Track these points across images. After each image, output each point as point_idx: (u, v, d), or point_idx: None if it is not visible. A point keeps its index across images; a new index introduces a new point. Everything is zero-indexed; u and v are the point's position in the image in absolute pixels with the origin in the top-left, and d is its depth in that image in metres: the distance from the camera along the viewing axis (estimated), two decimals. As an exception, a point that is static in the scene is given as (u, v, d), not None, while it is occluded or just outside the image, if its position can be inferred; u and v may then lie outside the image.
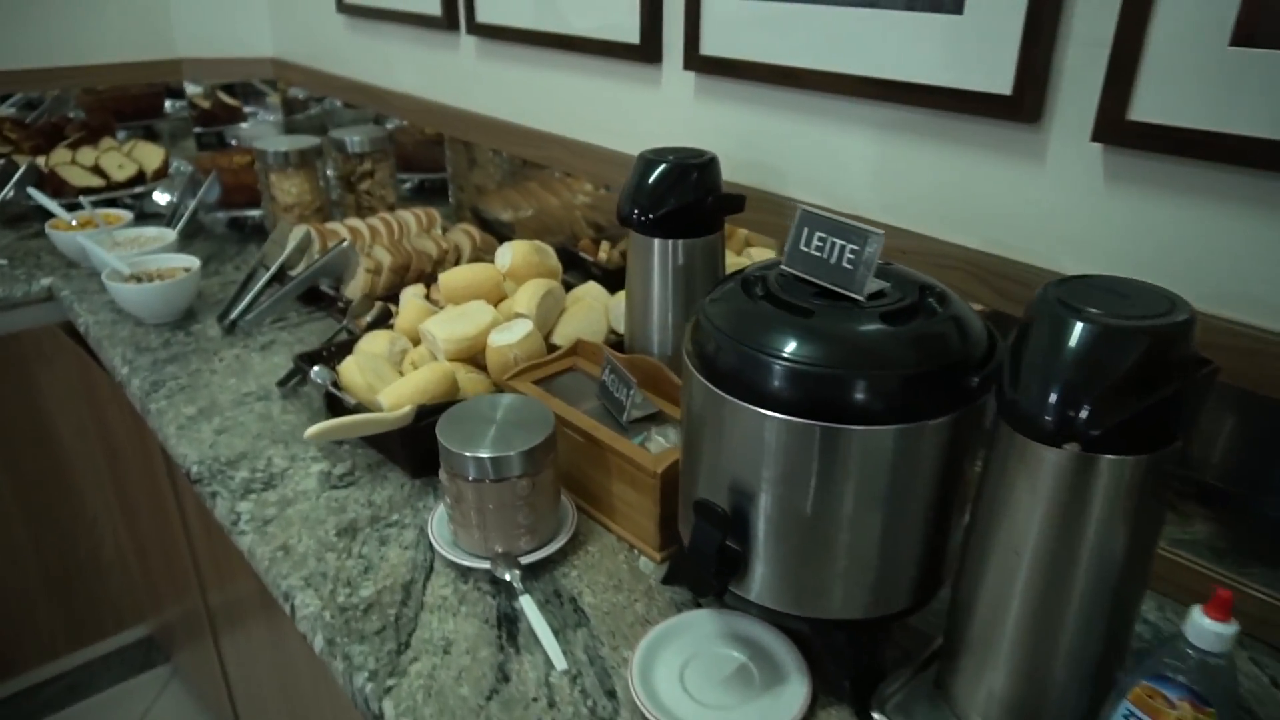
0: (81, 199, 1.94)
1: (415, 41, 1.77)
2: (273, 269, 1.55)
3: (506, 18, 1.50)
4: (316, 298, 1.56)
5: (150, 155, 2.14)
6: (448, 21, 1.63)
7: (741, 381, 0.72)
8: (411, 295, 1.41)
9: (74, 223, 1.78)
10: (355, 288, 1.49)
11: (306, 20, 2.15)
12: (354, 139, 1.72)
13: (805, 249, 0.75)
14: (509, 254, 1.26)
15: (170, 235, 1.70)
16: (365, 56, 1.96)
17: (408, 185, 2.10)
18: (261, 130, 2.74)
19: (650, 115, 1.31)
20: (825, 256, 0.74)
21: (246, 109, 2.73)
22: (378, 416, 1.00)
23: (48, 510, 1.91)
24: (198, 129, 2.55)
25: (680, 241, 1.08)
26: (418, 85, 1.82)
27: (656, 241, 1.08)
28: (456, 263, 1.62)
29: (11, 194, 1.90)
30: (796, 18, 1.05)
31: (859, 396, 0.68)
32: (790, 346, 0.69)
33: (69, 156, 2.07)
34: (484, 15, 1.55)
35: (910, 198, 1.02)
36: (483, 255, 1.63)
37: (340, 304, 1.50)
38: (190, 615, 1.79)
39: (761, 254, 1.27)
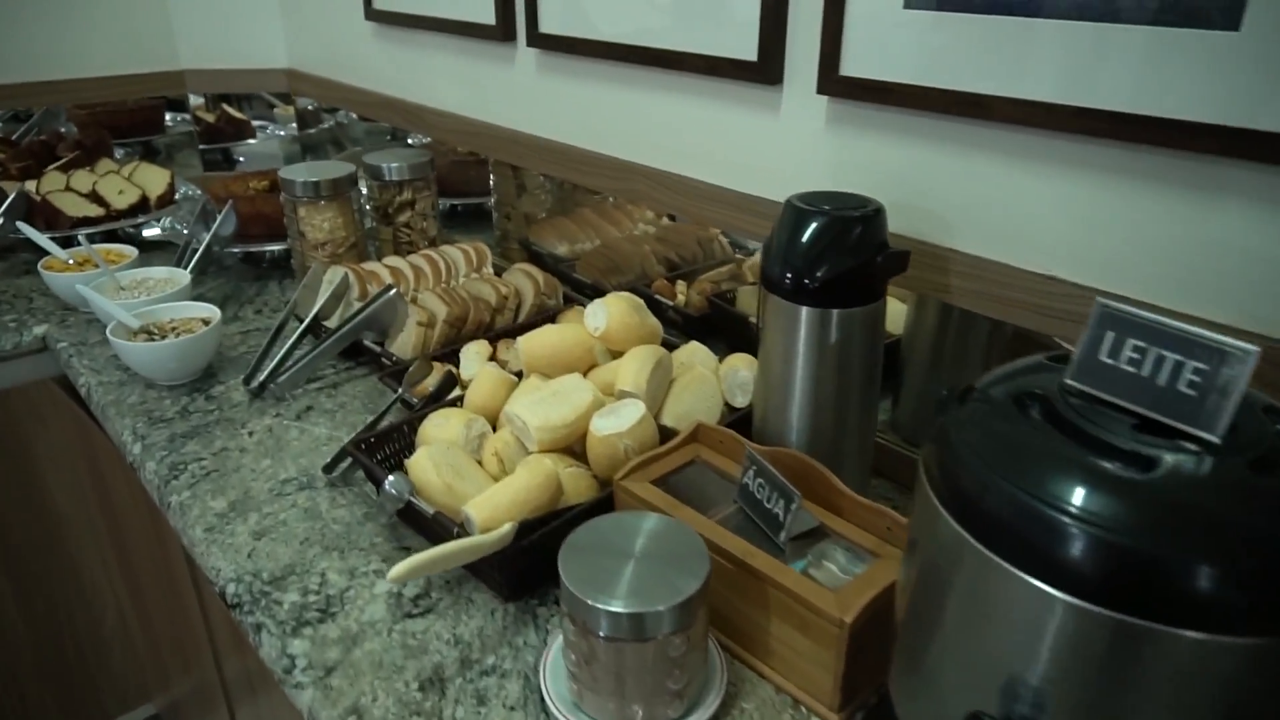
0: (78, 233, 1.72)
1: (460, 53, 1.56)
2: (306, 320, 1.33)
3: (577, 28, 1.29)
4: (357, 350, 1.34)
5: (154, 179, 1.92)
6: (502, 32, 1.42)
7: (1030, 548, 0.51)
8: (475, 354, 1.21)
9: (70, 261, 1.55)
10: (405, 343, 1.28)
11: (327, 28, 1.94)
12: (391, 165, 1.51)
13: (1110, 361, 0.55)
14: (603, 314, 1.05)
15: (183, 278, 1.48)
16: (396, 68, 1.75)
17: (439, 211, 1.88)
18: (270, 146, 2.52)
19: (765, 146, 1.11)
20: (1147, 374, 0.53)
21: (254, 122, 2.51)
22: (473, 543, 0.79)
23: (40, 582, 1.68)
24: (202, 146, 2.32)
25: (837, 312, 0.87)
26: (460, 102, 1.60)
27: (805, 310, 0.88)
28: (517, 311, 1.41)
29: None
30: (986, 31, 0.84)
31: (1240, 594, 0.47)
32: (1121, 512, 0.49)
33: (62, 181, 1.85)
34: (549, 25, 1.34)
35: (1133, 257, 0.82)
36: (546, 300, 1.42)
37: (386, 360, 1.28)
38: (203, 689, 1.57)
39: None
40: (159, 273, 1.51)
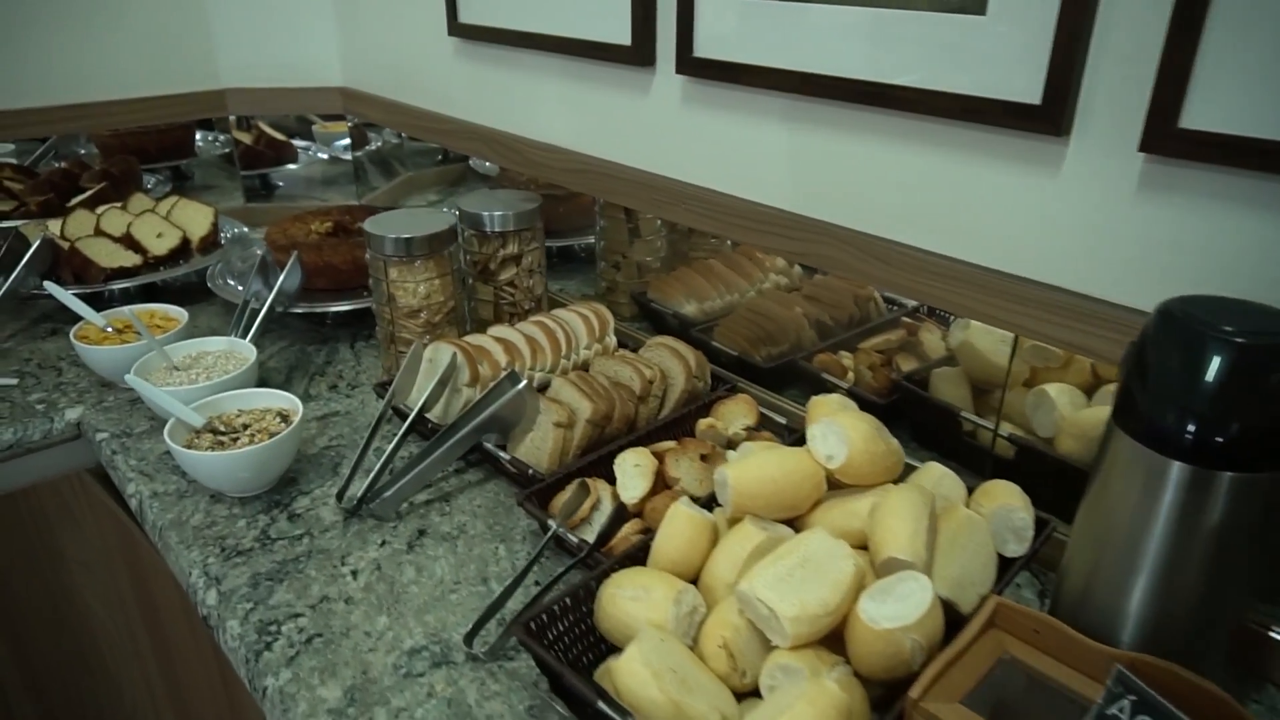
0: (112, 287, 1.46)
1: (576, 78, 1.30)
2: (411, 417, 1.07)
3: (754, 53, 1.03)
4: (471, 445, 1.09)
5: (195, 218, 1.66)
6: (638, 55, 1.16)
7: None
8: (636, 469, 0.95)
9: (108, 329, 1.29)
10: (538, 449, 1.02)
11: (393, 44, 1.68)
12: (494, 213, 1.25)
13: None
14: (841, 442, 0.79)
15: (246, 353, 1.22)
16: (485, 92, 1.49)
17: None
18: (312, 170, 2.26)
19: (1041, 216, 0.85)
20: None
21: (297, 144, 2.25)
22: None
23: (72, 705, 1.42)
24: (245, 173, 2.06)
25: (1231, 476, 0.61)
26: (573, 135, 1.35)
27: (1180, 468, 0.62)
28: (662, 401, 1.15)
29: (20, 274, 1.42)
30: None
31: None
32: None
33: (91, 223, 1.59)
34: (709, 49, 1.08)
35: None
36: (696, 384, 1.16)
37: (510, 466, 1.03)
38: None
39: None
40: (215, 344, 1.25)
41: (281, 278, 1.34)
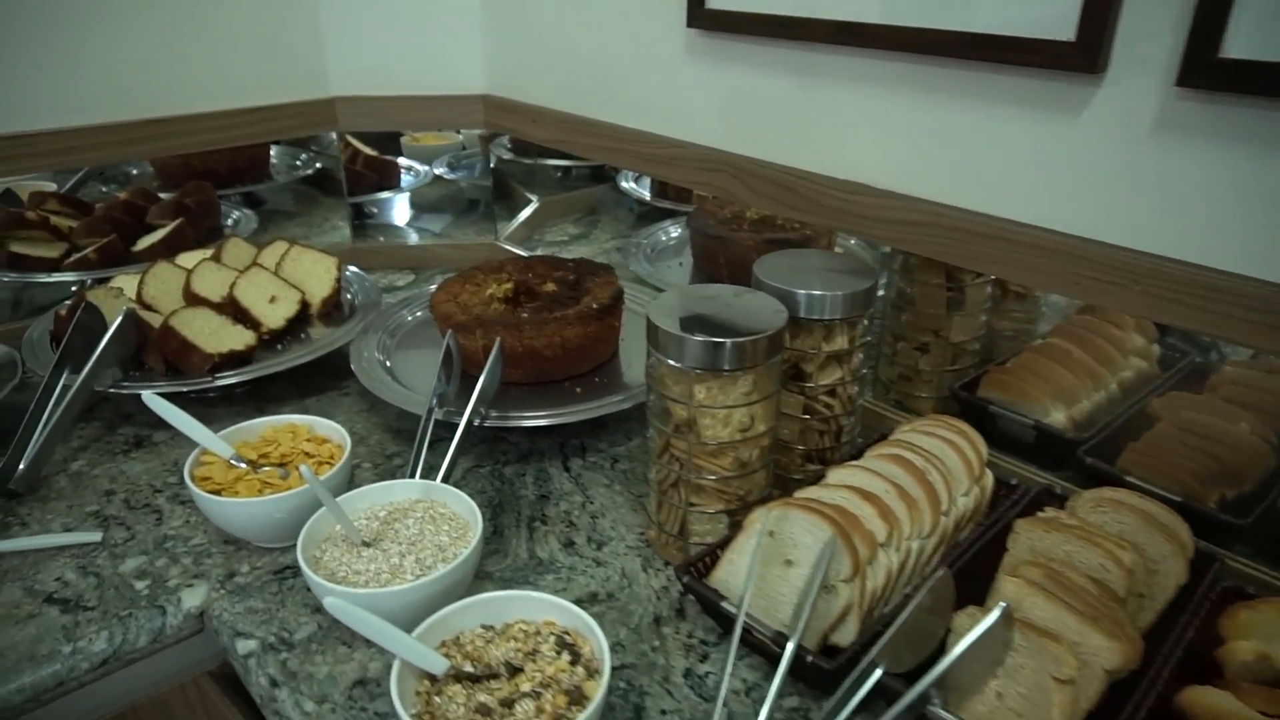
0: (222, 380, 1.04)
1: (925, 89, 0.88)
2: (789, 657, 0.65)
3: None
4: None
5: (314, 271, 1.24)
6: (1082, 55, 0.74)
7: None
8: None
9: (238, 463, 0.87)
10: (1019, 718, 0.61)
11: (580, 40, 1.26)
12: (816, 292, 0.83)
13: None
14: None
15: (462, 511, 0.80)
16: (743, 108, 1.07)
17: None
18: (425, 197, 1.84)
19: None
20: None
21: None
22: None
23: None
24: (353, 200, 1.64)
25: None
26: (902, 172, 0.93)
27: None
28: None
29: (93, 368, 1.00)
30: None
31: None
32: None
33: (177, 282, 1.17)
34: (1256, 48, 0.66)
35: None
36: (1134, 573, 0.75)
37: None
38: None
39: None
40: (403, 492, 0.83)
41: (483, 377, 0.92)
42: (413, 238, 1.69)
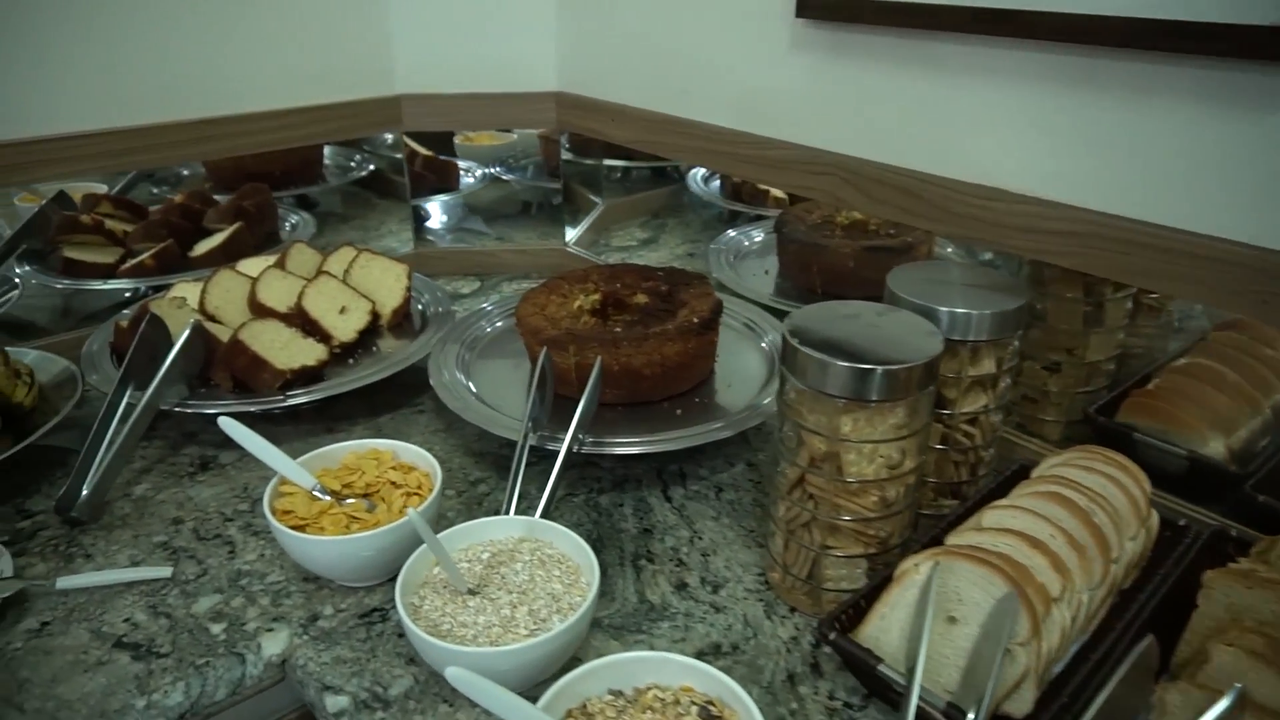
0: (295, 399, 0.97)
1: (1078, 83, 0.79)
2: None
3: None
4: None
5: (384, 280, 1.17)
6: (1284, 42, 0.65)
7: None
8: None
9: (321, 494, 0.79)
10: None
11: (669, 33, 1.17)
12: (960, 311, 0.74)
13: None
14: None
15: (571, 552, 0.72)
16: (856, 105, 0.98)
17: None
18: (483, 200, 1.77)
19: None
20: None
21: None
22: None
23: None
24: (415, 201, 1.57)
25: None
26: (1046, 176, 0.83)
27: None
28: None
29: (159, 386, 0.93)
30: None
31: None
32: None
33: (242, 291, 1.10)
34: None
35: None
36: None
37: None
38: None
39: None
40: (503, 530, 0.75)
41: (584, 398, 0.84)
42: (476, 243, 1.61)
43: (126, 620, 0.76)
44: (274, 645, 0.74)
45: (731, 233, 1.43)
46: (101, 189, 1.42)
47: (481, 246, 1.53)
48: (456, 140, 1.84)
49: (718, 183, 1.56)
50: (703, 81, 1.13)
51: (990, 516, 0.71)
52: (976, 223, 0.88)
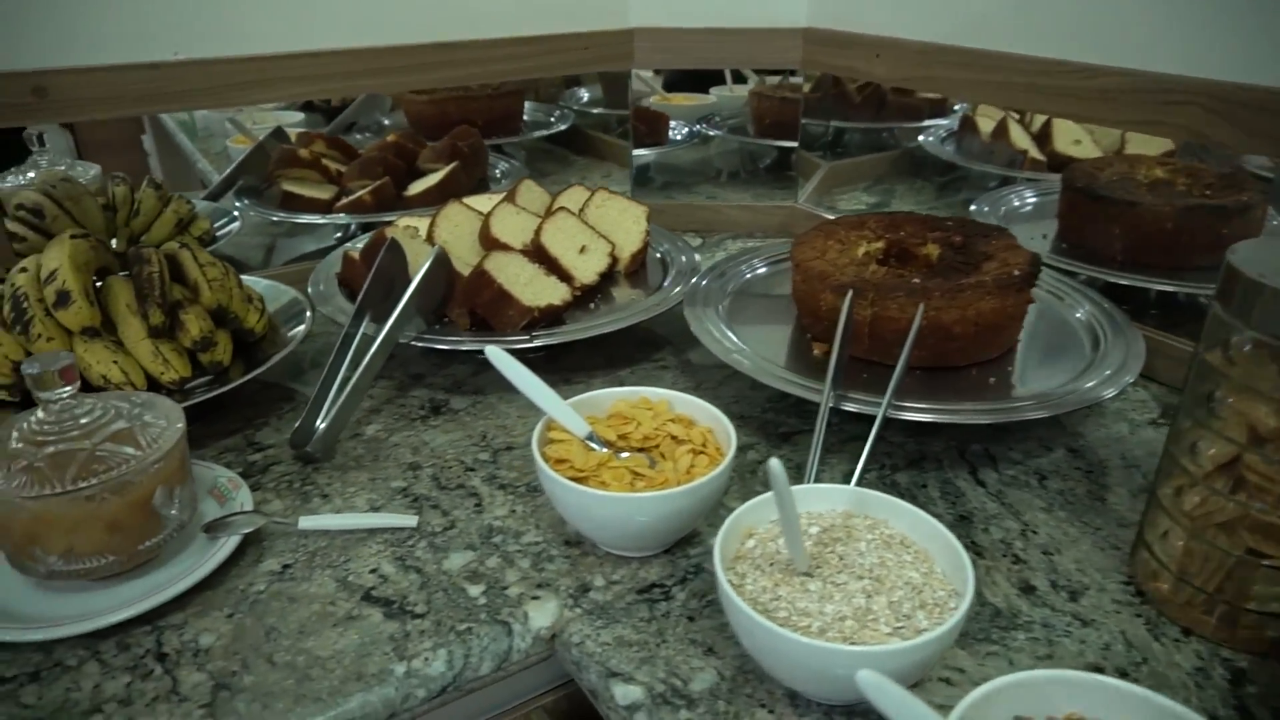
0: (537, 340, 0.86)
1: None
2: None
3: None
4: None
5: (622, 223, 1.06)
6: None
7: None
8: None
9: (593, 443, 0.67)
10: None
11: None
12: None
13: None
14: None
15: (926, 537, 0.57)
16: (1234, 11, 0.79)
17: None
18: (692, 157, 1.65)
19: None
20: None
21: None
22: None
23: None
24: (640, 152, 1.45)
25: None
26: None
27: None
28: None
29: (401, 316, 0.84)
30: None
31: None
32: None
33: (472, 226, 1.00)
34: None
35: None
36: None
37: None
38: None
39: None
40: (822, 501, 0.61)
41: (903, 357, 0.69)
42: (702, 196, 1.48)
43: (373, 571, 0.66)
44: (542, 617, 0.62)
45: (1002, 192, 1.25)
46: (321, 132, 1.37)
47: (707, 201, 1.40)
48: (651, 100, 1.72)
49: (952, 146, 1.38)
50: (997, 2, 0.96)
51: None
52: None
